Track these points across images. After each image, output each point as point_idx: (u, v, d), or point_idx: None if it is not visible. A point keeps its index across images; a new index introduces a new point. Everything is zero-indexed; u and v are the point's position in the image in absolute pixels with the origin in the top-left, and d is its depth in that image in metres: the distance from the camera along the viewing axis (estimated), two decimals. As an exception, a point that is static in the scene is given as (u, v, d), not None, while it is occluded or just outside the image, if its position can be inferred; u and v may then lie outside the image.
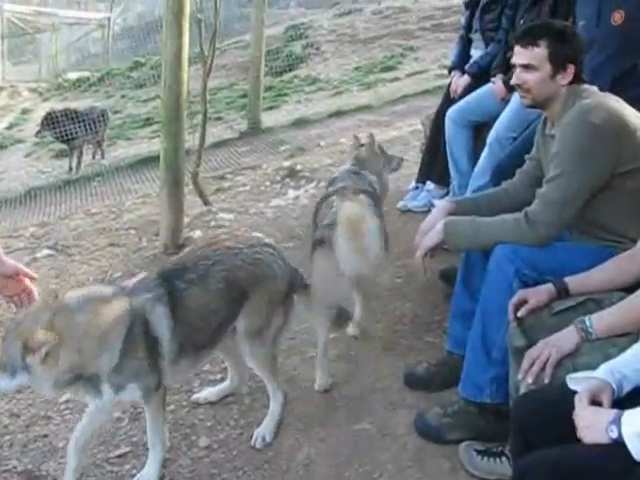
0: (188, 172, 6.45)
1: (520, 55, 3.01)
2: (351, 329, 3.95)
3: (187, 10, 5.44)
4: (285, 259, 3.32)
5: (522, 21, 4.68)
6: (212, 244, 3.19)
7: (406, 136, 7.99)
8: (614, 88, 3.52)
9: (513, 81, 3.09)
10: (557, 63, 2.94)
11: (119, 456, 3.29)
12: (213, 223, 6.18)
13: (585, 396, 1.99)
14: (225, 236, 3.33)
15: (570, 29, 3.05)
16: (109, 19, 21.42)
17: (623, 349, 2.18)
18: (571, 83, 2.96)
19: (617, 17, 3.74)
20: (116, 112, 13.81)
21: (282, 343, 4.02)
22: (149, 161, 9.39)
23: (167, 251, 5.63)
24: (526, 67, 2.99)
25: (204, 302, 3.03)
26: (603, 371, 2.07)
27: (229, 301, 3.10)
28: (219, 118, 11.62)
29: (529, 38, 2.98)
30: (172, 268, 3.08)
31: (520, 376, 2.42)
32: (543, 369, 2.34)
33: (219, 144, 9.85)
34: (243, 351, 3.24)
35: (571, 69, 2.94)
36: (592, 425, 1.90)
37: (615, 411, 1.89)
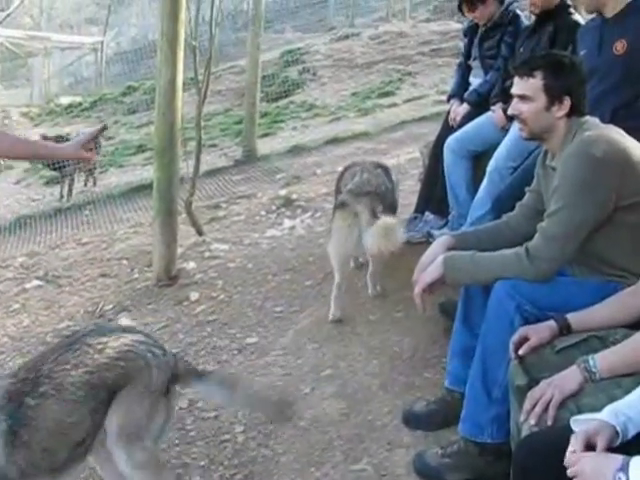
0: (182, 201, 6.45)
1: (517, 85, 3.03)
2: (370, 290, 4.78)
3: (182, 37, 5.48)
4: (162, 346, 2.99)
5: (522, 49, 4.70)
6: (72, 343, 2.78)
7: (404, 164, 8.01)
8: (615, 118, 3.53)
9: (510, 112, 3.11)
10: (552, 95, 2.94)
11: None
12: (207, 254, 6.17)
13: (581, 438, 1.95)
14: (84, 330, 2.96)
15: (569, 60, 3.05)
16: (102, 43, 21.49)
17: (628, 390, 2.14)
18: (569, 115, 2.96)
19: (619, 46, 3.75)
20: (109, 138, 13.81)
21: (277, 379, 4.03)
22: (142, 189, 9.39)
23: (160, 283, 5.62)
24: (522, 97, 3.01)
25: (60, 417, 2.63)
26: (607, 413, 2.03)
27: (95, 408, 2.71)
28: (213, 145, 11.62)
29: (525, 68, 3.01)
30: (23, 381, 2.64)
31: (522, 417, 2.38)
32: (546, 410, 2.31)
33: (213, 172, 9.84)
34: (118, 459, 2.79)
35: (567, 101, 2.94)
36: (596, 471, 1.85)
37: (622, 457, 1.83)
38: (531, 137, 3.09)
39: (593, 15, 3.98)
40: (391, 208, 4.60)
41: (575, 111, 2.96)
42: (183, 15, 5.49)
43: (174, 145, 5.54)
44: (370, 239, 4.23)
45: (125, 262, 6.45)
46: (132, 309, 5.33)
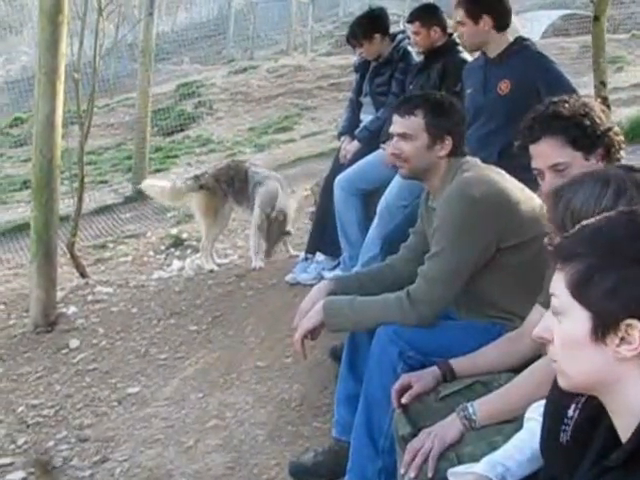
0: (66, 240, 6.33)
1: (398, 124, 3.06)
2: None
3: (62, 70, 5.38)
4: None
5: (411, 86, 4.78)
6: None
7: (299, 201, 8.00)
8: (502, 158, 3.61)
9: (390, 150, 3.12)
10: (434, 134, 2.99)
11: None
12: (90, 297, 6.03)
13: None
14: None
15: (447, 101, 3.12)
16: (-13, 73, 21.05)
17: (509, 437, 2.15)
18: (450, 155, 3.00)
19: (503, 87, 3.86)
20: (-7, 173, 13.49)
21: (158, 432, 3.94)
22: (24, 228, 9.06)
23: (37, 329, 5.46)
24: (403, 136, 3.04)
25: None
26: (484, 465, 2.03)
27: None
28: (104, 181, 11.42)
29: (406, 107, 3.05)
30: None
31: (402, 470, 2.36)
32: (426, 462, 2.29)
33: (101, 210, 9.62)
34: None
35: (449, 141, 3.00)
36: None
37: None
38: (410, 176, 3.12)
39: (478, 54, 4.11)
40: None
41: (456, 151, 3.01)
42: (64, 47, 5.40)
43: (53, 183, 5.43)
44: None
45: (2, 307, 6.25)
46: (6, 358, 5.16)
